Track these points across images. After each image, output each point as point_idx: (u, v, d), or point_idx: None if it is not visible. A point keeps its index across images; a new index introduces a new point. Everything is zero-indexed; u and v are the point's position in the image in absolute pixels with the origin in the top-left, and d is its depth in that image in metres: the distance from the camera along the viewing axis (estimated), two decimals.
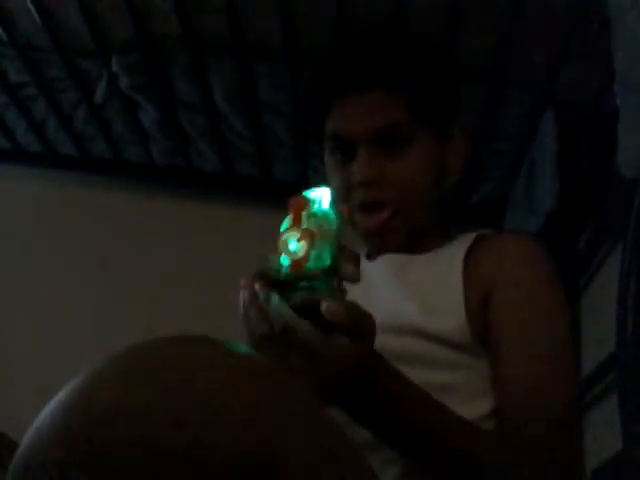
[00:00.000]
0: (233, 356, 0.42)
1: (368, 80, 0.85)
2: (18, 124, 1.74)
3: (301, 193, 0.66)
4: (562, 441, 0.72)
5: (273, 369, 0.45)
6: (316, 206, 0.64)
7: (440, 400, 0.70)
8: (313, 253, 0.61)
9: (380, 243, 0.90)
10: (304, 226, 0.63)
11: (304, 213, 0.64)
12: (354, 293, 0.70)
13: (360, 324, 0.62)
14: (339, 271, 0.63)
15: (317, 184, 0.83)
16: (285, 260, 0.62)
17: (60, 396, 0.39)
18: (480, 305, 0.81)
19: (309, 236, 0.62)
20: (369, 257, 0.95)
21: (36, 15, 1.39)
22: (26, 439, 0.38)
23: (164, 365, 0.40)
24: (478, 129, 1.48)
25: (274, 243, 0.63)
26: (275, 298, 0.61)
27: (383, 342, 0.70)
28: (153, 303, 1.74)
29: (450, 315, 0.80)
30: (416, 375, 0.71)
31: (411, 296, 0.83)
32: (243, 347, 0.44)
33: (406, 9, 1.26)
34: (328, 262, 0.61)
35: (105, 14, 1.39)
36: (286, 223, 0.64)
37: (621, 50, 0.89)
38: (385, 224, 0.87)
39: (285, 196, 0.65)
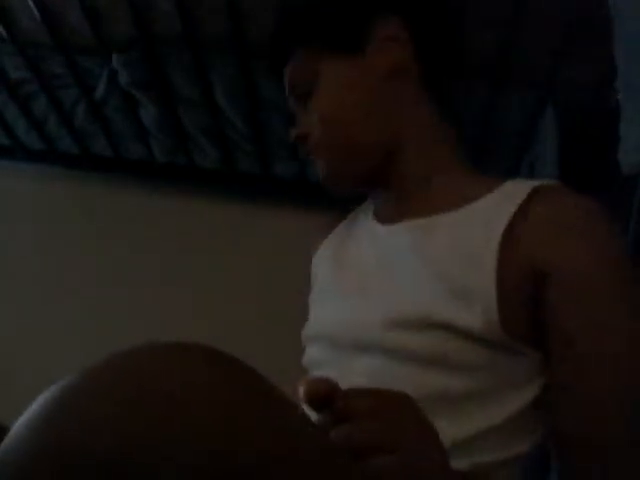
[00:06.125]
0: (208, 370, 0.41)
1: (281, 41, 0.86)
2: (18, 121, 1.74)
3: None
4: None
5: (251, 380, 0.43)
6: None
7: (460, 409, 0.61)
8: None
9: (338, 192, 0.83)
10: None
11: None
12: (351, 278, 0.68)
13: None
14: None
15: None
16: None
17: (32, 409, 0.39)
18: (522, 292, 0.65)
19: None
20: (384, 220, 0.80)
21: (36, 12, 1.39)
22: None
23: (136, 380, 0.39)
24: (478, 129, 1.48)
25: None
26: None
27: (394, 340, 0.64)
28: (153, 302, 1.74)
29: (477, 303, 0.63)
30: (432, 380, 0.62)
31: (431, 279, 0.67)
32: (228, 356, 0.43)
33: None
34: None
35: (106, 11, 1.39)
36: None
37: (622, 49, 0.89)
38: (323, 175, 0.81)
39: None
